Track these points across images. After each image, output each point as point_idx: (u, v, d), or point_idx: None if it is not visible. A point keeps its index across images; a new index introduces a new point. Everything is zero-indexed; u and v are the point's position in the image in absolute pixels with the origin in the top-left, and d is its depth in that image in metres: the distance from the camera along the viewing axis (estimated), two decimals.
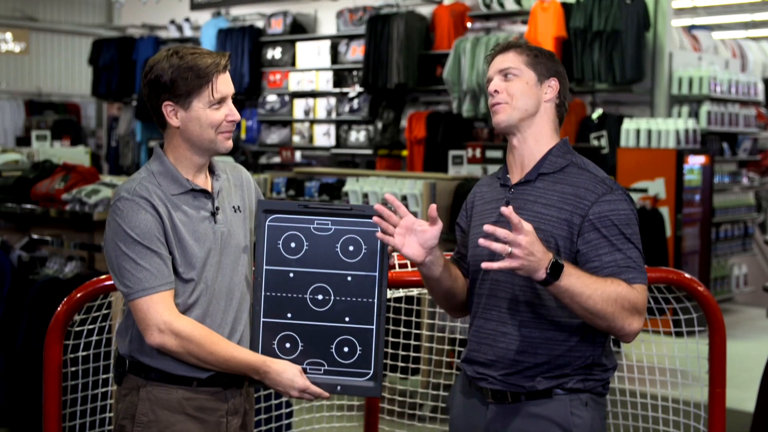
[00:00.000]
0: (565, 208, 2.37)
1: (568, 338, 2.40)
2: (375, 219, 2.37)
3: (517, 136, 2.47)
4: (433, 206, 2.35)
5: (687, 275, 3.28)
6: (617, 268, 2.32)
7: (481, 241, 2.19)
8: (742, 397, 5.48)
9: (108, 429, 3.47)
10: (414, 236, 2.35)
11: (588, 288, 2.23)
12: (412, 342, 4.06)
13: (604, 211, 2.35)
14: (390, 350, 4.03)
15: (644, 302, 2.34)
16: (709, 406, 3.26)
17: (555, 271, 2.19)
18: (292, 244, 2.48)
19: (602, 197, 2.37)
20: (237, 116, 2.47)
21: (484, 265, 2.19)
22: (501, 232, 2.15)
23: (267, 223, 2.48)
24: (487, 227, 2.17)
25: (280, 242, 2.48)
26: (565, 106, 2.53)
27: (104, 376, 3.40)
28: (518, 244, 2.14)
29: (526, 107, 2.45)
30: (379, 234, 2.38)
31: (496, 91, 2.46)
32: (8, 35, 14.65)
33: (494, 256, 2.41)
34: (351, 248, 2.46)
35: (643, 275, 2.36)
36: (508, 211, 2.16)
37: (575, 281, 2.22)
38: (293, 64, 11.67)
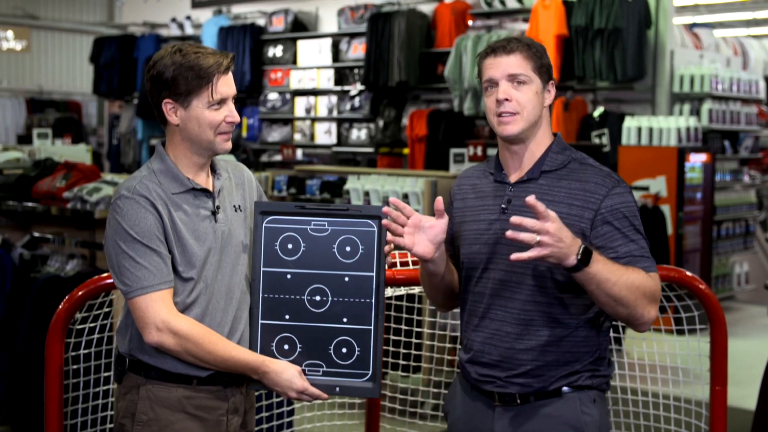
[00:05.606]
0: (575, 204, 2.36)
1: (576, 334, 2.39)
2: (384, 222, 2.36)
3: (520, 144, 2.43)
4: (440, 199, 2.33)
5: (688, 273, 3.28)
6: (633, 258, 2.33)
7: (509, 233, 2.17)
8: (743, 394, 5.47)
9: (109, 427, 3.47)
10: (423, 233, 2.34)
11: (613, 274, 2.23)
12: (414, 340, 4.05)
13: (615, 204, 2.36)
14: (391, 348, 4.02)
15: (659, 290, 2.36)
16: (710, 403, 3.26)
17: (586, 256, 2.19)
18: (289, 246, 2.47)
19: (612, 190, 2.37)
20: (236, 118, 2.46)
21: (514, 256, 2.17)
22: (528, 222, 2.14)
23: (264, 224, 2.48)
24: (515, 219, 2.15)
25: (277, 244, 2.47)
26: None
27: (105, 374, 3.40)
28: (546, 231, 2.14)
29: (535, 118, 2.41)
30: (389, 237, 2.36)
31: (506, 99, 2.36)
32: (9, 33, 14.65)
33: (493, 255, 2.41)
34: (348, 249, 2.45)
35: (655, 264, 2.37)
36: (532, 200, 2.15)
37: (602, 267, 2.22)
38: (294, 62, 11.66)
